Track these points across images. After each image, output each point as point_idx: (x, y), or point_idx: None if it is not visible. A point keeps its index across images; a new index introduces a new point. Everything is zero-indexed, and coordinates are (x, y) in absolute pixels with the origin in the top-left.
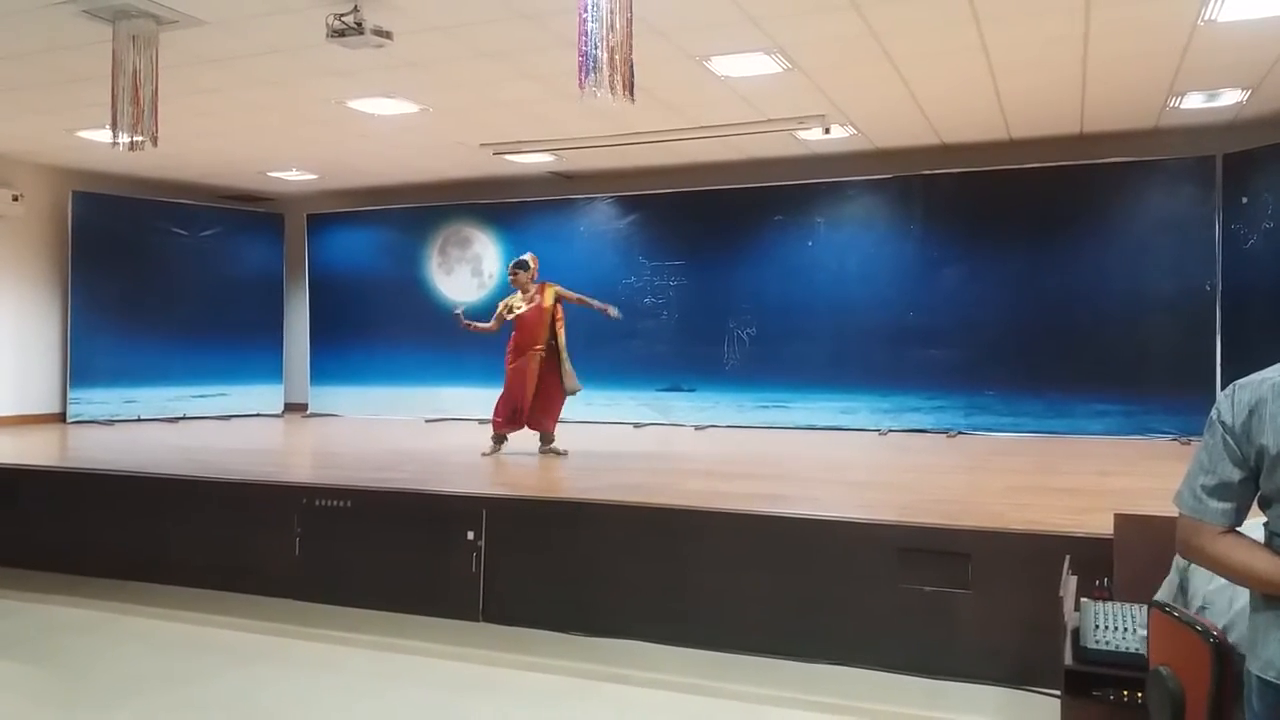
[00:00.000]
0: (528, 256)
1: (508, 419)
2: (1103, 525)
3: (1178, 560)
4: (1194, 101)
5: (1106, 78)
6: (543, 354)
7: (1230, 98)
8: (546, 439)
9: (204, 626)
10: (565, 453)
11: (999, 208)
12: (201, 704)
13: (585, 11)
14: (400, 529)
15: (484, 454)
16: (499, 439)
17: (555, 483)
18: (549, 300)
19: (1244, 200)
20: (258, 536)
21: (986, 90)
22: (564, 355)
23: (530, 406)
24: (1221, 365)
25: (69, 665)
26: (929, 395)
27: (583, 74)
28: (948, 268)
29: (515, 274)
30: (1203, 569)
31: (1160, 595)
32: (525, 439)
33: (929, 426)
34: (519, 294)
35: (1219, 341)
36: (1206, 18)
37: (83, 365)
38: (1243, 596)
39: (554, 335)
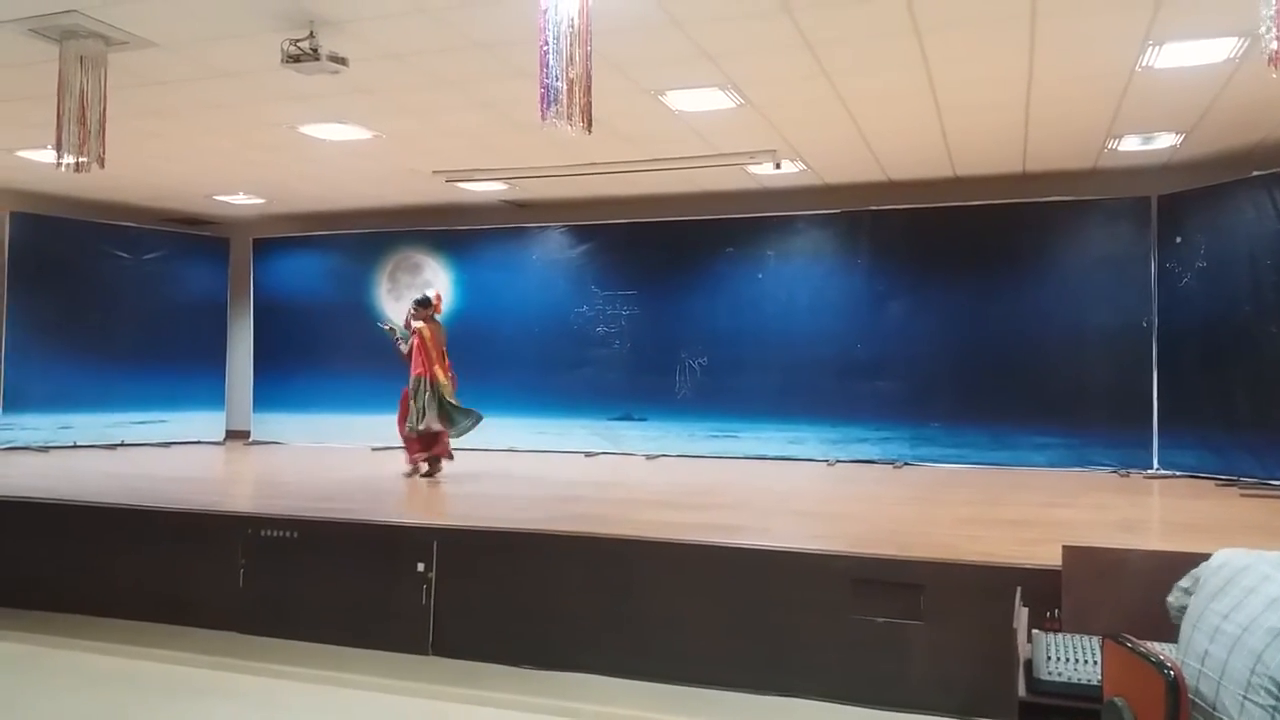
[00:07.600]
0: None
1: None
2: (1050, 556)
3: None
4: (1131, 144)
5: (1048, 120)
6: None
7: (1165, 141)
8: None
9: (144, 661)
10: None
11: (944, 244)
12: None
13: (546, 45)
14: (348, 560)
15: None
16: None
17: (507, 513)
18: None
19: (1178, 240)
20: (200, 568)
21: (933, 130)
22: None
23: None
24: (1158, 399)
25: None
26: (876, 426)
27: (544, 105)
28: (894, 301)
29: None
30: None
31: (1171, 597)
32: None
33: (876, 457)
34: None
35: (1155, 376)
36: (1144, 65)
37: (16, 390)
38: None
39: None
